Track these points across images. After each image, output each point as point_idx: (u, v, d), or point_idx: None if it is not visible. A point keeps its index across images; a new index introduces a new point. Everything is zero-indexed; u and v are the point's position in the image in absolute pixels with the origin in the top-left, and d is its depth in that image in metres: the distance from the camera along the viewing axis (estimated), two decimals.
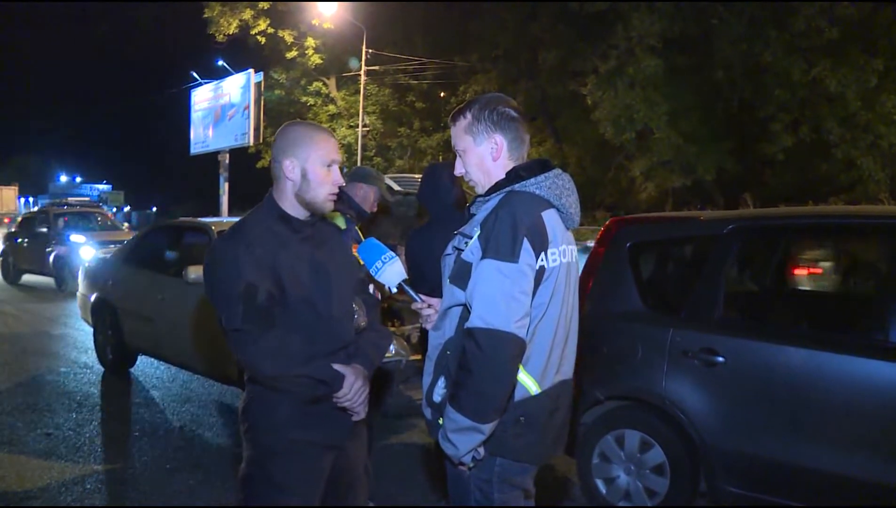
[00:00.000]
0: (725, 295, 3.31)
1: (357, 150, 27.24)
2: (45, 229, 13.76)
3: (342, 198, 3.50)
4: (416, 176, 11.23)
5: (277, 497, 2.03)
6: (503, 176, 1.94)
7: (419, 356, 3.85)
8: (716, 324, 3.23)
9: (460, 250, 1.91)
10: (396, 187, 7.75)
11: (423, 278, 3.30)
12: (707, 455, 3.17)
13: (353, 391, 2.03)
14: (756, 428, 3.04)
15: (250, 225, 2.06)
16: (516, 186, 1.89)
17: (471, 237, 1.87)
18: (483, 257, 1.79)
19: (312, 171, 2.05)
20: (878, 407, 2.78)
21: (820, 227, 3.64)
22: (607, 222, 3.85)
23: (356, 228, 3.46)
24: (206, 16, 27.04)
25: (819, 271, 4.98)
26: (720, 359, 3.11)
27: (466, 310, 1.82)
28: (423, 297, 2.09)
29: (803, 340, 3.06)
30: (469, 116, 1.97)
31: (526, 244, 1.77)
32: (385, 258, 2.07)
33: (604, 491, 3.52)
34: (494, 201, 1.89)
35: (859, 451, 2.81)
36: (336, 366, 2.03)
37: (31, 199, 76.92)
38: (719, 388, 3.14)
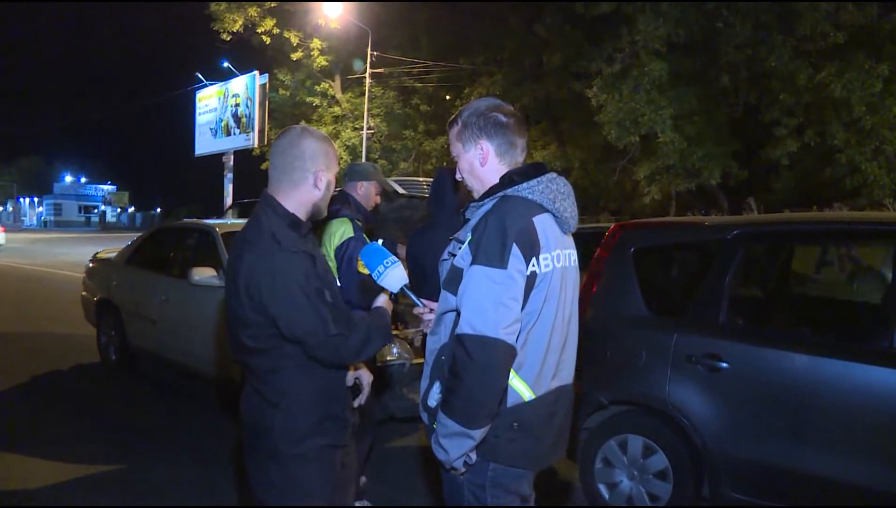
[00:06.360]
0: (730, 300, 3.30)
1: (362, 152, 27.26)
2: None
3: (350, 203, 3.49)
4: (421, 179, 11.25)
5: (305, 502, 2.03)
6: (497, 181, 1.93)
7: (422, 360, 3.85)
8: (720, 329, 3.23)
9: (454, 256, 1.91)
10: (401, 190, 7.74)
11: (425, 277, 3.30)
12: (710, 460, 3.16)
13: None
14: (760, 434, 3.04)
15: (285, 232, 2.01)
16: (509, 191, 1.88)
17: (463, 243, 1.87)
18: (472, 263, 1.79)
19: (331, 183, 2.14)
20: (881, 414, 2.77)
21: (824, 233, 3.63)
22: (611, 227, 3.83)
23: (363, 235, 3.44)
24: (212, 9, 26.89)
25: None
26: (724, 364, 3.11)
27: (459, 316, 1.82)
28: (424, 301, 2.10)
29: (807, 346, 3.06)
30: (460, 122, 1.98)
31: (515, 250, 1.76)
32: (387, 263, 2.07)
33: (606, 496, 3.52)
34: (488, 206, 1.89)
35: (863, 457, 2.81)
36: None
37: (35, 199, 77.42)
38: (723, 393, 3.14)
